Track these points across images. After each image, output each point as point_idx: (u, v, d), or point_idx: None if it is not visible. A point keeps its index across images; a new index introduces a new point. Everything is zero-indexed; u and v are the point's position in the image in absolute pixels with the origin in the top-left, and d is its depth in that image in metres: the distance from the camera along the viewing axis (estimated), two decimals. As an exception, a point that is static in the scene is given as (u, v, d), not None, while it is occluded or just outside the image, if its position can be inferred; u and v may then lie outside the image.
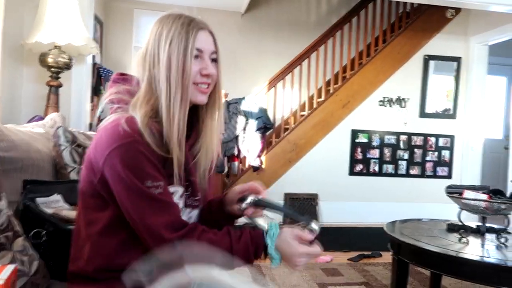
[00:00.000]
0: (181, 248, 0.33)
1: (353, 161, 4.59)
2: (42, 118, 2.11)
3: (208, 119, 1.01)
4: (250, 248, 0.89)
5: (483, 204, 1.85)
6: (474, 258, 1.64)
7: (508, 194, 2.05)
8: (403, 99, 4.68)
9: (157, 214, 0.86)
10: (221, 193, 4.34)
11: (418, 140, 4.72)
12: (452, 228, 2.00)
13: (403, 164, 4.69)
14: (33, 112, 2.39)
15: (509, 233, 1.93)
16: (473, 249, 1.76)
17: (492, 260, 1.63)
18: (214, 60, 0.97)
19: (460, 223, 1.95)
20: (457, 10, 4.72)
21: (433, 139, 4.75)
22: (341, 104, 4.50)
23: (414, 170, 4.72)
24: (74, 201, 1.21)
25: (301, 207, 4.37)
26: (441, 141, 4.78)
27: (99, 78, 3.43)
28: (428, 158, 4.74)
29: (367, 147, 4.61)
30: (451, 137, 4.79)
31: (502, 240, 1.82)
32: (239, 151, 4.19)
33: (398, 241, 1.84)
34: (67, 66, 2.33)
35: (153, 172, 0.87)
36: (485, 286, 1.71)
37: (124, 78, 0.98)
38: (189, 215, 0.99)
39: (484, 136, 4.85)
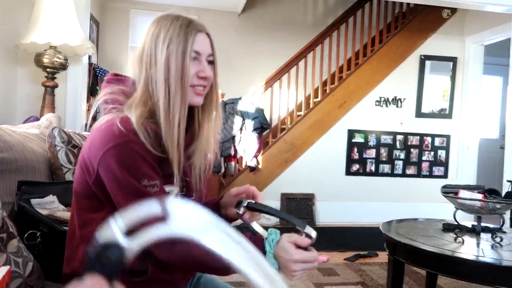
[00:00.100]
0: (163, 204, 0.34)
1: (350, 161, 4.59)
2: (37, 119, 2.10)
3: (205, 120, 1.01)
4: None
5: (478, 203, 1.86)
6: (470, 258, 1.65)
7: (503, 194, 2.06)
8: (399, 99, 4.69)
9: None
10: (218, 193, 4.34)
11: (414, 140, 4.74)
12: (448, 227, 2.01)
13: (399, 164, 4.70)
14: (28, 113, 2.38)
15: (504, 232, 1.94)
16: (469, 249, 1.77)
17: (487, 259, 1.64)
18: (211, 62, 0.97)
19: (455, 223, 1.96)
20: (453, 10, 4.74)
21: (429, 139, 4.77)
22: (338, 104, 4.51)
23: (410, 170, 4.73)
24: (69, 202, 1.21)
25: (297, 207, 4.38)
26: (437, 141, 4.79)
27: (96, 78, 3.42)
28: (424, 158, 4.76)
29: (363, 147, 4.62)
30: (447, 137, 4.81)
31: (497, 239, 1.83)
32: (235, 151, 4.19)
33: (394, 240, 1.84)
34: (63, 67, 2.32)
35: (149, 171, 0.87)
36: (481, 285, 1.71)
37: (118, 78, 0.98)
38: None
39: (479, 136, 4.87)
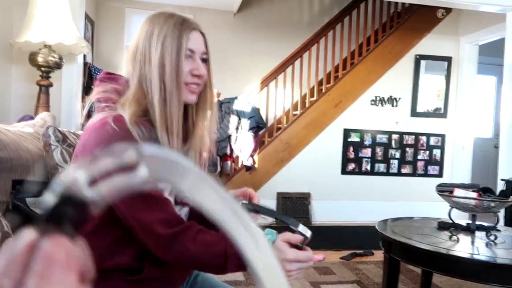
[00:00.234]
0: (137, 150, 0.27)
1: (345, 160, 4.61)
2: (32, 118, 2.08)
3: (199, 119, 1.01)
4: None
5: (473, 202, 1.87)
6: (464, 256, 1.65)
7: (497, 193, 2.08)
8: (395, 98, 4.71)
9: (150, 210, 0.85)
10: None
11: (409, 139, 4.76)
12: (443, 226, 2.02)
13: (394, 163, 4.72)
14: (22, 112, 2.37)
15: (498, 230, 1.95)
16: (463, 247, 1.78)
17: (482, 257, 1.65)
18: (204, 60, 0.97)
19: (450, 221, 1.97)
20: (448, 10, 4.76)
21: (424, 138, 4.79)
22: (333, 104, 4.52)
23: (406, 169, 4.75)
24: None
25: (293, 206, 4.38)
26: (432, 140, 4.82)
27: (91, 77, 3.40)
28: (419, 157, 4.78)
29: (359, 146, 4.63)
30: (442, 136, 4.84)
31: (492, 237, 1.84)
32: (231, 150, 4.19)
33: (390, 239, 1.85)
34: (58, 66, 2.31)
35: None
36: (475, 283, 1.73)
37: (111, 77, 0.97)
38: (179, 212, 0.99)
39: (474, 135, 4.90)
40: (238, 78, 4.74)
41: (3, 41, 2.27)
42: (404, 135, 4.74)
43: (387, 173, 4.71)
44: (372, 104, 4.65)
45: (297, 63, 4.48)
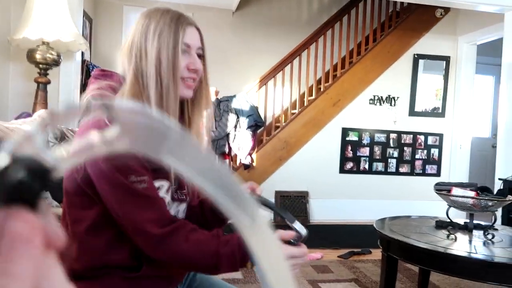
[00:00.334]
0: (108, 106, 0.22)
1: (344, 159, 4.61)
2: (30, 115, 2.08)
3: (195, 115, 1.00)
4: (236, 254, 0.86)
5: (470, 201, 1.87)
6: (462, 254, 1.66)
7: (495, 192, 2.08)
8: (393, 97, 4.71)
9: (142, 210, 0.85)
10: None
11: (407, 139, 4.76)
12: (441, 225, 2.02)
13: (392, 162, 4.73)
14: (20, 109, 2.36)
15: (495, 229, 1.96)
16: (461, 246, 1.79)
17: (479, 256, 1.66)
18: (200, 56, 0.97)
19: (448, 220, 1.98)
20: (446, 10, 4.77)
21: (422, 138, 4.80)
22: (332, 103, 4.52)
23: (404, 168, 4.76)
24: (62, 198, 1.20)
25: (291, 205, 4.38)
26: (430, 140, 4.83)
27: (89, 75, 3.39)
28: (417, 156, 4.79)
29: (357, 145, 4.63)
30: (440, 136, 4.85)
31: (489, 236, 1.85)
32: (230, 149, 4.19)
33: (388, 238, 1.85)
34: (56, 63, 2.30)
35: (137, 167, 0.85)
36: (473, 281, 1.73)
37: (105, 74, 0.97)
38: (177, 209, 0.99)
39: (472, 134, 4.92)
40: (237, 76, 4.74)
41: (0, 38, 2.26)
42: (402, 134, 4.74)
43: (385, 172, 4.71)
44: (370, 103, 4.65)
45: (295, 61, 4.48)
